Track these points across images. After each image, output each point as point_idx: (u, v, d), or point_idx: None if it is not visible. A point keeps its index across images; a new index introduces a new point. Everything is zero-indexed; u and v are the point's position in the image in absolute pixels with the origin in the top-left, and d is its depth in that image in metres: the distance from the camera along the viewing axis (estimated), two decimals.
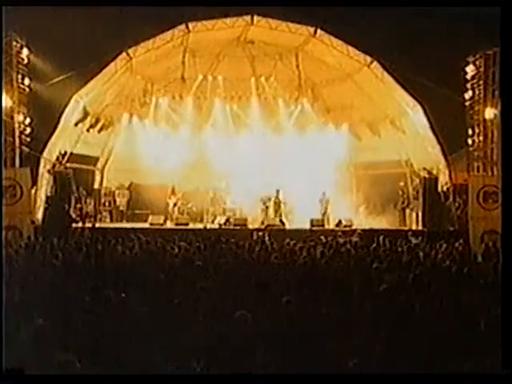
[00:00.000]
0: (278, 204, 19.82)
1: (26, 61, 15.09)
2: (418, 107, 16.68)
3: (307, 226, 19.05)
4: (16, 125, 15.13)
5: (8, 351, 4.28)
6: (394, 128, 18.59)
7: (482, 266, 9.31)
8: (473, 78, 14.32)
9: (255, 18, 15.87)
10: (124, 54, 16.37)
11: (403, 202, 18.92)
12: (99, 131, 19.27)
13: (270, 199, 19.61)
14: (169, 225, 17.83)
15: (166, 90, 18.74)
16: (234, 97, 18.93)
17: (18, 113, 15.21)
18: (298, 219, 20.23)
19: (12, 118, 15.06)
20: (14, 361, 4.02)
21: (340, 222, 18.73)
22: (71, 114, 17.27)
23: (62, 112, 16.61)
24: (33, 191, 15.53)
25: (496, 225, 12.44)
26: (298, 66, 17.81)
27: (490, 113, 14.24)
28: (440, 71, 14.16)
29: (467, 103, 14.62)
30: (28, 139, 15.50)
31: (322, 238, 13.78)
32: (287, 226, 18.94)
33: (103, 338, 4.84)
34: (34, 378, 3.70)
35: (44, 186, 16.94)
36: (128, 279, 6.93)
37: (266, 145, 20.62)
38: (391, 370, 4.58)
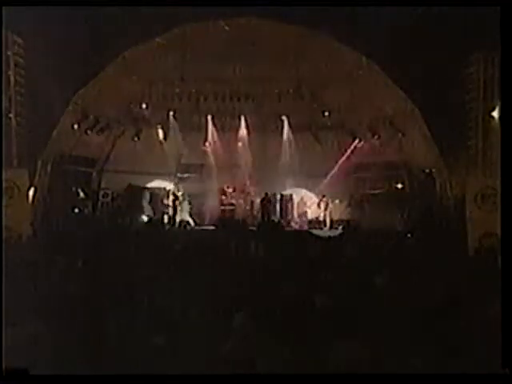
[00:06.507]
0: (273, 204, 19.94)
1: (23, 61, 15.06)
2: (417, 108, 16.73)
3: (305, 227, 19.16)
4: (13, 125, 15.08)
5: (8, 351, 4.26)
6: (393, 129, 18.62)
7: (481, 267, 9.31)
8: (472, 78, 14.30)
9: (254, 19, 15.90)
10: (123, 55, 16.39)
11: (401, 203, 18.95)
12: (98, 133, 19.27)
13: (268, 199, 19.71)
14: None
15: (165, 91, 18.75)
16: (234, 98, 18.94)
17: (16, 113, 15.16)
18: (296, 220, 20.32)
19: (9, 118, 15.02)
20: (14, 361, 4.01)
21: (339, 222, 18.81)
22: (70, 115, 17.29)
23: (61, 113, 16.62)
24: (30, 193, 15.48)
25: (494, 227, 12.45)
26: (296, 67, 17.84)
27: (489, 114, 14.23)
28: (439, 72, 14.16)
29: (466, 104, 14.61)
30: (26, 140, 15.45)
31: (321, 238, 13.81)
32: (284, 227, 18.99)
33: (104, 338, 4.85)
34: (34, 378, 3.68)
35: (42, 188, 16.91)
36: (127, 279, 6.93)
37: (265, 145, 20.70)
38: (390, 370, 4.57)
